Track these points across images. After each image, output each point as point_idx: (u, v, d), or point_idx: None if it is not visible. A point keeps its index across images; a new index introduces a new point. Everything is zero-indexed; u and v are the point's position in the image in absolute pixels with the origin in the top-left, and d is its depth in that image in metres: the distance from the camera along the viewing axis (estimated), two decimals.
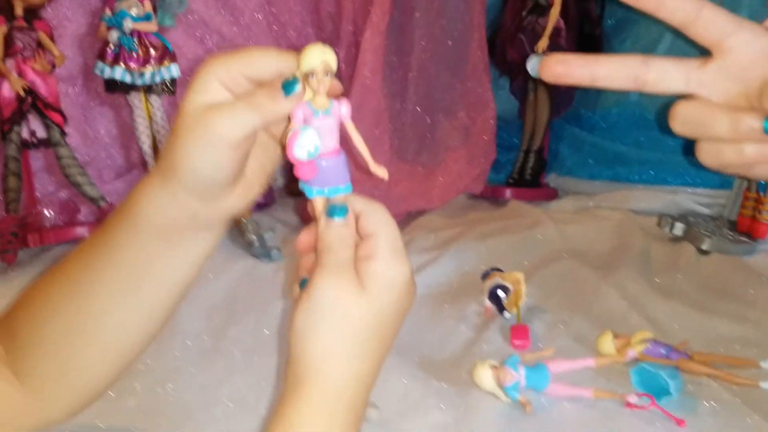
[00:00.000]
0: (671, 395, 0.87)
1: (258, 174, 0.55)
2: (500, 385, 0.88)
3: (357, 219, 0.51)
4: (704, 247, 1.40)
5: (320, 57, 0.46)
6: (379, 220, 0.51)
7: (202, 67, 0.49)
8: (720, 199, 1.62)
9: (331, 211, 0.50)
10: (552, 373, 0.90)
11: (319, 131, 0.48)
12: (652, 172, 1.73)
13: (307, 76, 0.47)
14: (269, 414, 0.83)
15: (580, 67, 0.43)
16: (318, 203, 0.51)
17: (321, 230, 0.50)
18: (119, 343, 0.57)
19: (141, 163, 1.68)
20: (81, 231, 1.41)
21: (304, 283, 0.51)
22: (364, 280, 0.49)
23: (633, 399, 0.87)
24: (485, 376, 0.88)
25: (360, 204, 0.51)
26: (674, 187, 1.69)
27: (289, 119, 0.49)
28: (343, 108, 0.49)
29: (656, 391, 0.88)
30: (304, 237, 0.53)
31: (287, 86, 0.47)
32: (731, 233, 1.46)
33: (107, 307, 0.55)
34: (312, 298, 0.48)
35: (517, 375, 0.88)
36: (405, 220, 1.62)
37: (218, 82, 0.48)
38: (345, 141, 0.51)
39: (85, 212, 1.53)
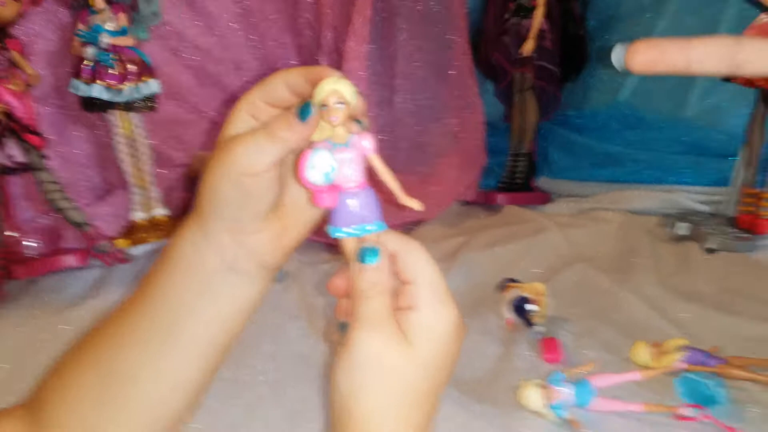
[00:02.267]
0: (720, 404, 0.85)
1: (293, 220, 0.51)
2: (546, 403, 0.85)
3: (392, 260, 0.47)
4: (710, 245, 1.39)
5: (330, 86, 0.43)
6: (416, 262, 0.46)
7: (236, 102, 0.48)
8: (716, 196, 1.61)
9: (362, 254, 0.45)
10: (596, 388, 0.87)
11: (337, 165, 0.45)
12: (647, 172, 1.72)
13: (321, 109, 0.44)
14: None
15: (675, 51, 0.39)
16: (347, 244, 0.47)
17: (353, 276, 0.46)
18: (154, 404, 0.52)
19: (121, 185, 1.61)
20: (70, 260, 1.33)
21: (343, 327, 0.47)
22: (408, 333, 0.45)
23: (685, 411, 0.84)
24: (533, 396, 0.85)
25: (394, 243, 0.47)
26: (670, 186, 1.68)
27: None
28: (365, 141, 0.45)
29: (703, 401, 0.86)
30: (337, 281, 0.49)
31: (301, 111, 0.43)
32: (733, 230, 1.45)
33: (141, 360, 0.50)
34: (353, 356, 0.44)
35: (564, 392, 0.85)
36: (402, 232, 1.58)
37: (246, 113, 0.47)
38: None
39: (69, 238, 1.45)
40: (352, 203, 0.45)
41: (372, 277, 0.45)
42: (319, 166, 0.44)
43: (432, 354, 0.45)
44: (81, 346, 0.53)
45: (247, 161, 0.44)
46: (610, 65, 0.38)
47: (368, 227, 0.46)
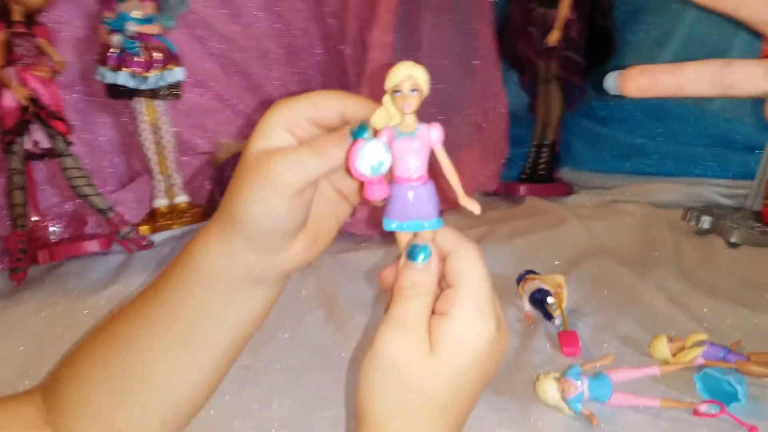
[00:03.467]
0: (740, 401, 0.84)
1: (320, 231, 0.50)
2: (563, 397, 0.84)
3: (444, 259, 0.45)
4: (733, 239, 1.38)
5: (406, 72, 0.41)
6: (464, 265, 0.44)
7: (267, 111, 0.45)
8: (741, 189, 1.59)
9: (411, 252, 0.44)
10: (614, 383, 0.87)
11: (399, 154, 0.42)
12: (671, 164, 1.70)
13: (393, 95, 0.42)
14: None
15: (667, 75, 0.38)
16: (401, 238, 0.45)
17: (400, 271, 0.45)
18: (168, 402, 0.52)
19: (146, 171, 1.62)
20: (92, 245, 1.35)
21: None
22: (436, 341, 0.42)
23: (703, 407, 0.83)
24: (550, 389, 0.84)
25: (449, 242, 0.45)
26: (694, 179, 1.66)
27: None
28: (434, 133, 0.42)
29: (723, 397, 0.85)
30: (388, 272, 0.47)
31: (356, 133, 0.42)
32: (757, 224, 1.43)
33: (156, 360, 0.50)
34: (375, 355, 0.43)
35: (581, 386, 0.84)
36: None
37: (282, 128, 0.45)
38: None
39: (92, 224, 1.46)
40: (412, 196, 0.43)
41: (416, 276, 0.44)
42: (368, 158, 0.41)
43: (457, 367, 0.43)
44: (95, 338, 0.53)
45: (288, 176, 0.43)
46: (605, 92, 0.38)
47: (425, 223, 0.43)
